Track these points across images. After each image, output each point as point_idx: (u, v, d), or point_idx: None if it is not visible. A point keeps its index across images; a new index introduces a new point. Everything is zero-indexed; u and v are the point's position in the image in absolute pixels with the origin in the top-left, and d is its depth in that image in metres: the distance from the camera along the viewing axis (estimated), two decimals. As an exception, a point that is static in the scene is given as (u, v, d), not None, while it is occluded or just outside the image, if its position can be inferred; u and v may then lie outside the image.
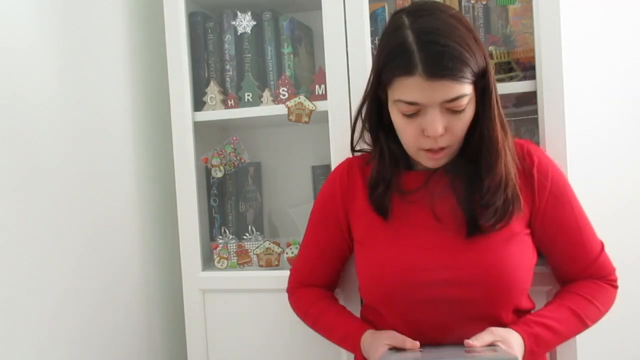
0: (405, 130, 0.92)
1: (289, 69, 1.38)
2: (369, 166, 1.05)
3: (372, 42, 1.26)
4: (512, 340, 0.90)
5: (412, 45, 0.85)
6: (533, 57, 1.16)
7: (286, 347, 1.31)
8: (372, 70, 0.98)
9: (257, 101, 1.37)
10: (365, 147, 1.10)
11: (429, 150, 0.92)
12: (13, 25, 1.05)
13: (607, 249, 1.04)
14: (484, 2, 1.23)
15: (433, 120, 0.87)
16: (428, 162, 0.95)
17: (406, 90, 0.87)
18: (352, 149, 1.10)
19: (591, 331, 0.99)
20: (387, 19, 1.25)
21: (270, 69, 1.40)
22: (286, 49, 1.39)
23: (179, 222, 1.36)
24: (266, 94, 1.36)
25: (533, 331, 0.92)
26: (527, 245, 0.97)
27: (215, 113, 1.37)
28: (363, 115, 1.03)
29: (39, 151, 1.10)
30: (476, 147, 0.94)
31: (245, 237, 1.42)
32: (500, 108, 0.94)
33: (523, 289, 0.96)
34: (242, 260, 1.38)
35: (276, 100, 1.35)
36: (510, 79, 1.21)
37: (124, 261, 1.36)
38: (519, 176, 0.96)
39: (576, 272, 1.01)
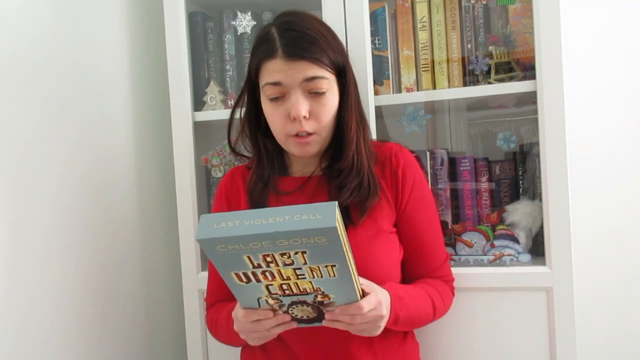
0: (274, 116, 0.99)
1: (289, 69, 1.38)
2: (249, 171, 1.09)
3: (372, 42, 1.26)
4: (377, 289, 0.90)
5: (274, 34, 0.96)
6: (533, 57, 1.16)
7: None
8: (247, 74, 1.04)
9: (257, 101, 1.37)
10: (246, 153, 1.12)
11: (297, 136, 0.98)
12: (12, 31, 1.05)
13: (605, 247, 1.04)
14: (484, 2, 1.23)
15: (296, 101, 0.95)
16: (297, 148, 1.00)
17: (270, 72, 0.96)
18: (232, 149, 1.13)
19: (590, 330, 0.99)
20: (386, 19, 1.26)
21: (270, 69, 1.40)
22: (286, 49, 1.39)
23: (178, 222, 1.36)
24: (266, 94, 1.36)
25: (398, 293, 0.96)
26: (393, 242, 1.04)
27: (215, 113, 1.37)
28: (241, 118, 1.08)
29: (38, 154, 1.10)
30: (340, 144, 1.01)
31: (245, 237, 1.42)
32: (361, 107, 1.06)
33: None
34: (242, 260, 1.38)
35: (276, 100, 1.35)
36: (510, 79, 1.21)
37: (124, 261, 1.36)
38: (384, 176, 1.04)
39: (426, 272, 1.08)
